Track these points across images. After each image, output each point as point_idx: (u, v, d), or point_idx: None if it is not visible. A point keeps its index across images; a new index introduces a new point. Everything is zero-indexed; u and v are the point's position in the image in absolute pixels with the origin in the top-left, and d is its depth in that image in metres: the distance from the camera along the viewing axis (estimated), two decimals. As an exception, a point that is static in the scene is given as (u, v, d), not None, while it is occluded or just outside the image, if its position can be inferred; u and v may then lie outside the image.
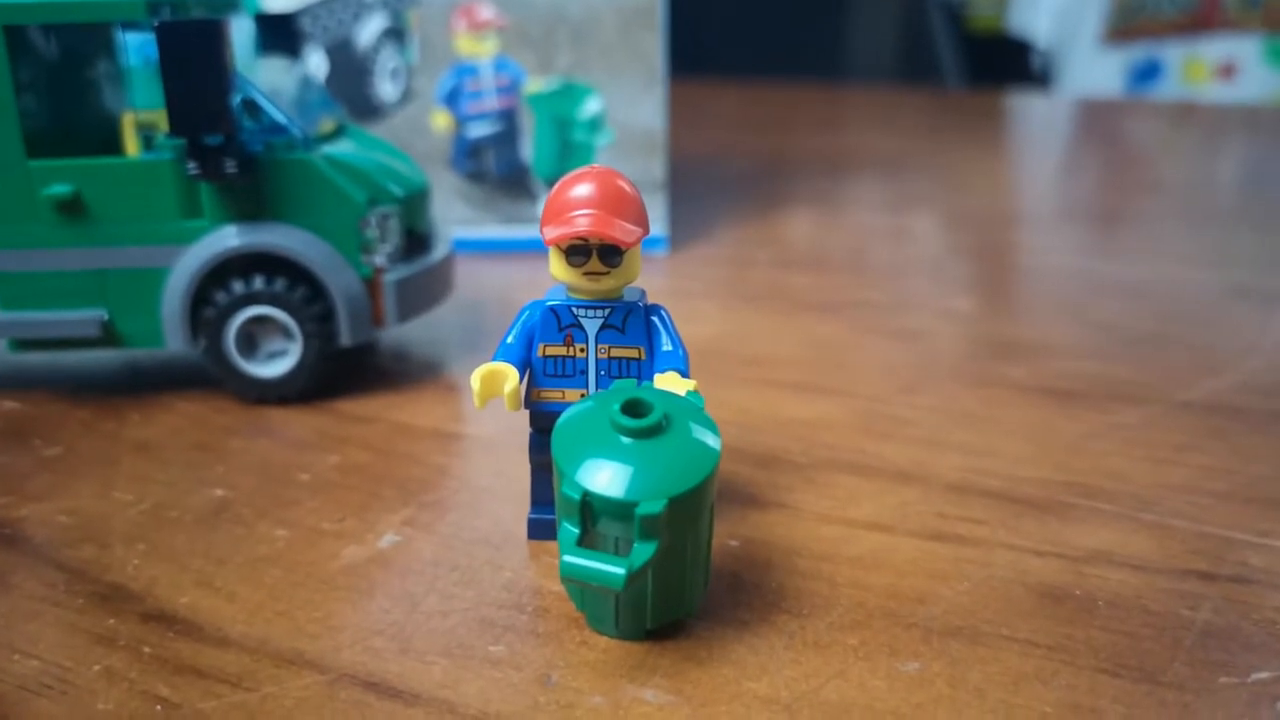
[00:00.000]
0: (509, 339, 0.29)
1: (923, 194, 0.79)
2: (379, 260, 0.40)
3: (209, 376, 0.41)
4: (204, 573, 0.29)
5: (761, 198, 0.78)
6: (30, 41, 0.38)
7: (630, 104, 0.61)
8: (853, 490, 0.33)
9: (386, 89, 0.61)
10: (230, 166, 0.37)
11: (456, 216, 0.62)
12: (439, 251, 0.43)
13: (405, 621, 0.26)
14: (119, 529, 0.31)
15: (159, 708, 0.23)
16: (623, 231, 0.27)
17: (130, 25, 0.37)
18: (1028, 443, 0.36)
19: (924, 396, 0.41)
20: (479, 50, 0.61)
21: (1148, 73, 1.45)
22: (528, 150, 0.61)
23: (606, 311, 0.28)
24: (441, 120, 0.61)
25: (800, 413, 0.39)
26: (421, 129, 0.61)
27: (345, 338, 0.40)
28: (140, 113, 0.39)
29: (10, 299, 0.38)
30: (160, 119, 0.39)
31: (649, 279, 0.58)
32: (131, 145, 0.40)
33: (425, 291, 0.42)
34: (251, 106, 0.38)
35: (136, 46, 0.41)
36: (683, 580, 0.25)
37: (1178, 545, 0.30)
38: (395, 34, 0.61)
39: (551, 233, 0.27)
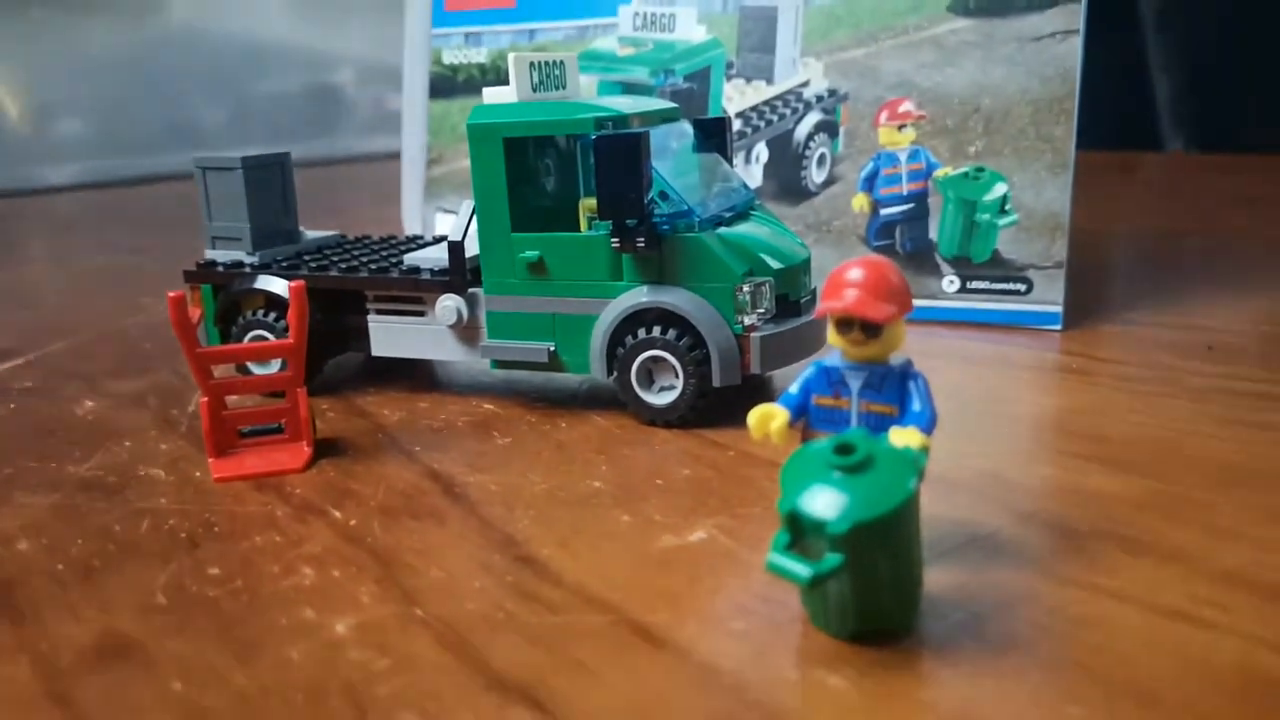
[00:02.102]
0: (792, 388, 0.36)
1: None
2: (750, 320, 0.49)
3: (619, 399, 0.53)
4: (564, 537, 0.39)
5: (1193, 277, 0.74)
6: (518, 149, 0.53)
7: (1036, 188, 0.64)
8: (1114, 561, 0.35)
9: (814, 174, 0.71)
10: (640, 242, 0.48)
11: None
12: (808, 314, 0.51)
13: (682, 591, 0.35)
14: (523, 499, 0.43)
15: (501, 615, 0.34)
16: (877, 310, 0.33)
17: (583, 137, 0.50)
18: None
19: (1251, 493, 0.40)
20: (898, 140, 0.68)
21: None
22: (935, 230, 0.67)
23: (868, 374, 0.34)
24: (860, 202, 0.69)
25: (1101, 485, 0.41)
26: (841, 209, 0.70)
27: (717, 380, 0.49)
28: (590, 199, 0.53)
29: (495, 330, 0.54)
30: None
31: (1038, 352, 0.60)
32: (582, 223, 0.53)
33: (790, 347, 0.50)
34: (664, 196, 0.49)
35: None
36: (880, 594, 0.30)
37: None
38: (827, 125, 0.70)
39: (823, 305, 0.34)
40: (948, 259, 0.67)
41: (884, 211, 0.68)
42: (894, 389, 0.34)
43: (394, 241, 0.64)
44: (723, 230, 0.50)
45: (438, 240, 0.64)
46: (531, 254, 0.51)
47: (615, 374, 0.51)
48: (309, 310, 0.47)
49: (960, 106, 0.66)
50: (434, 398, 0.57)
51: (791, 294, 0.51)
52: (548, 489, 0.44)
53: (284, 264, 0.59)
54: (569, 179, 0.55)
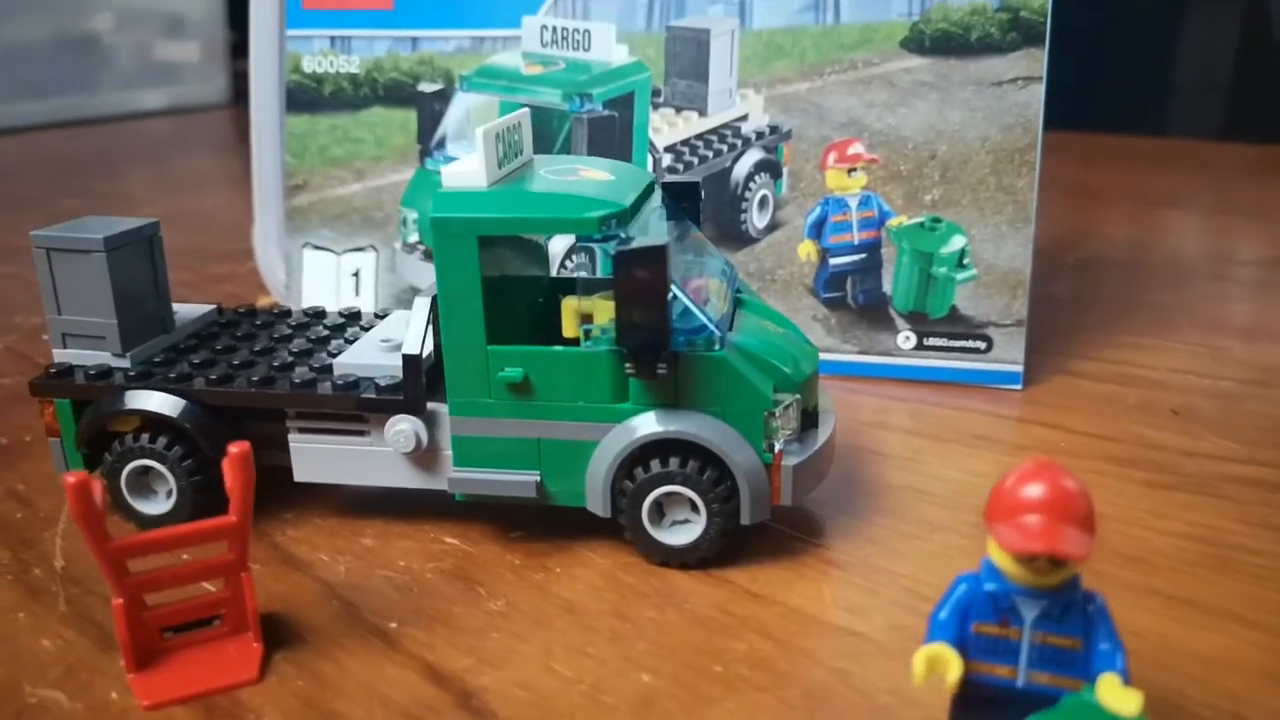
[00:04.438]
0: (942, 614, 0.30)
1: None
2: (779, 446, 0.43)
3: (612, 527, 0.46)
4: (650, 780, 0.32)
5: (1135, 308, 0.75)
6: (494, 247, 0.43)
7: (996, 242, 0.61)
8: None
9: (755, 218, 0.65)
10: (662, 369, 0.41)
11: (815, 342, 0.64)
12: (826, 426, 0.46)
13: None
14: (564, 710, 0.35)
15: None
16: (1075, 544, 0.28)
17: (585, 239, 0.42)
18: None
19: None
20: (848, 185, 0.63)
21: None
22: (889, 282, 0.63)
23: (1046, 602, 0.29)
24: (806, 249, 0.64)
25: (1194, 643, 0.38)
26: (786, 257, 0.64)
27: (746, 517, 0.43)
28: (580, 300, 0.44)
29: (464, 457, 0.45)
30: (594, 307, 0.43)
31: (1000, 422, 0.58)
32: (570, 327, 0.44)
33: (818, 472, 0.44)
34: (683, 313, 0.42)
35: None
36: None
37: None
38: (769, 165, 0.64)
39: (1004, 536, 0.28)
40: (903, 314, 0.63)
41: (833, 261, 0.63)
42: (1077, 620, 0.29)
43: (296, 322, 0.53)
44: (739, 339, 0.43)
45: (350, 318, 0.53)
46: (514, 373, 0.43)
47: (621, 512, 0.44)
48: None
49: (914, 151, 0.61)
50: (377, 528, 0.48)
51: (808, 404, 0.45)
52: (588, 690, 0.37)
53: (166, 370, 0.47)
54: (561, 285, 0.46)
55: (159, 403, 0.45)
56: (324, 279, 0.70)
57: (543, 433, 0.44)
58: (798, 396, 0.43)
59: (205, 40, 1.90)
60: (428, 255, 0.69)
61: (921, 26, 0.61)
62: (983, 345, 0.62)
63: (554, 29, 0.66)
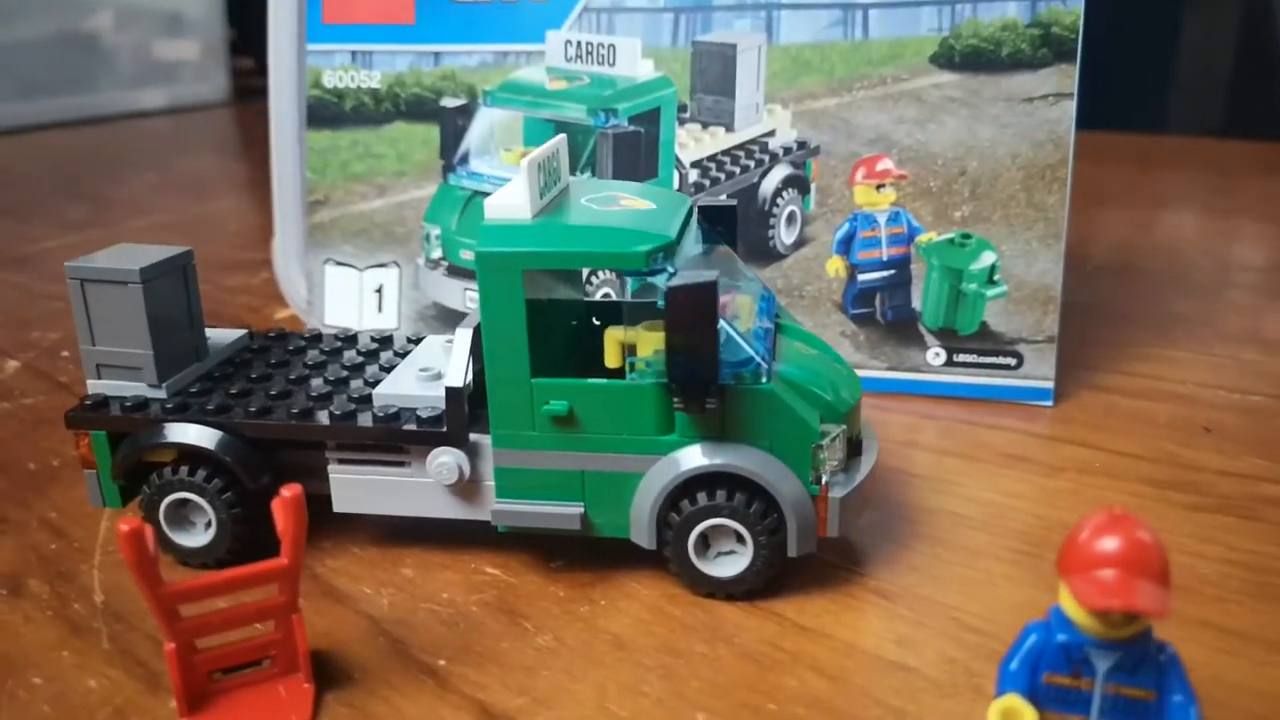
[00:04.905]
0: (1013, 665, 0.30)
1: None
2: (825, 478, 0.43)
3: (653, 555, 0.45)
4: (716, 828, 0.32)
5: (1158, 317, 0.75)
6: (540, 280, 0.43)
7: (1027, 258, 0.61)
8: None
9: (783, 234, 0.64)
10: (711, 405, 0.41)
11: (845, 357, 0.64)
12: (870, 455, 0.45)
13: None
14: (627, 754, 0.35)
15: None
16: (1152, 600, 0.28)
17: (631, 272, 0.42)
18: None
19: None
20: (876, 201, 0.62)
21: None
22: (918, 298, 0.63)
23: (1119, 654, 0.29)
24: (835, 265, 0.63)
25: (1251, 678, 0.38)
26: (814, 273, 0.64)
27: (794, 549, 0.43)
28: (625, 330, 0.44)
29: (507, 489, 0.44)
30: (638, 338, 0.43)
31: (1033, 441, 0.58)
32: (613, 358, 0.44)
33: (862, 502, 0.44)
34: (728, 343, 0.42)
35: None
36: None
37: None
38: (797, 180, 0.64)
39: (1080, 590, 0.28)
40: (932, 330, 0.63)
41: (862, 277, 0.63)
42: (1150, 672, 0.29)
43: (329, 347, 0.53)
44: (784, 370, 0.43)
45: (383, 342, 0.53)
46: (559, 405, 0.42)
47: (666, 544, 0.44)
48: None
49: (944, 168, 0.61)
50: (416, 557, 0.47)
51: (853, 433, 0.45)
52: (652, 730, 0.36)
53: (204, 402, 0.46)
54: (595, 309, 0.46)
55: (197, 435, 0.45)
56: (346, 295, 0.70)
57: (587, 464, 0.44)
58: (844, 427, 0.43)
59: (204, 38, 1.89)
60: (451, 271, 0.69)
61: (951, 42, 0.60)
62: (1013, 362, 0.62)
63: (578, 44, 0.65)
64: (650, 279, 0.41)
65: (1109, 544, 0.28)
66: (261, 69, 0.70)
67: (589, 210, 0.44)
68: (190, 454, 0.45)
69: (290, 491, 0.36)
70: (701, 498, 0.43)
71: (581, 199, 0.45)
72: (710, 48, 0.64)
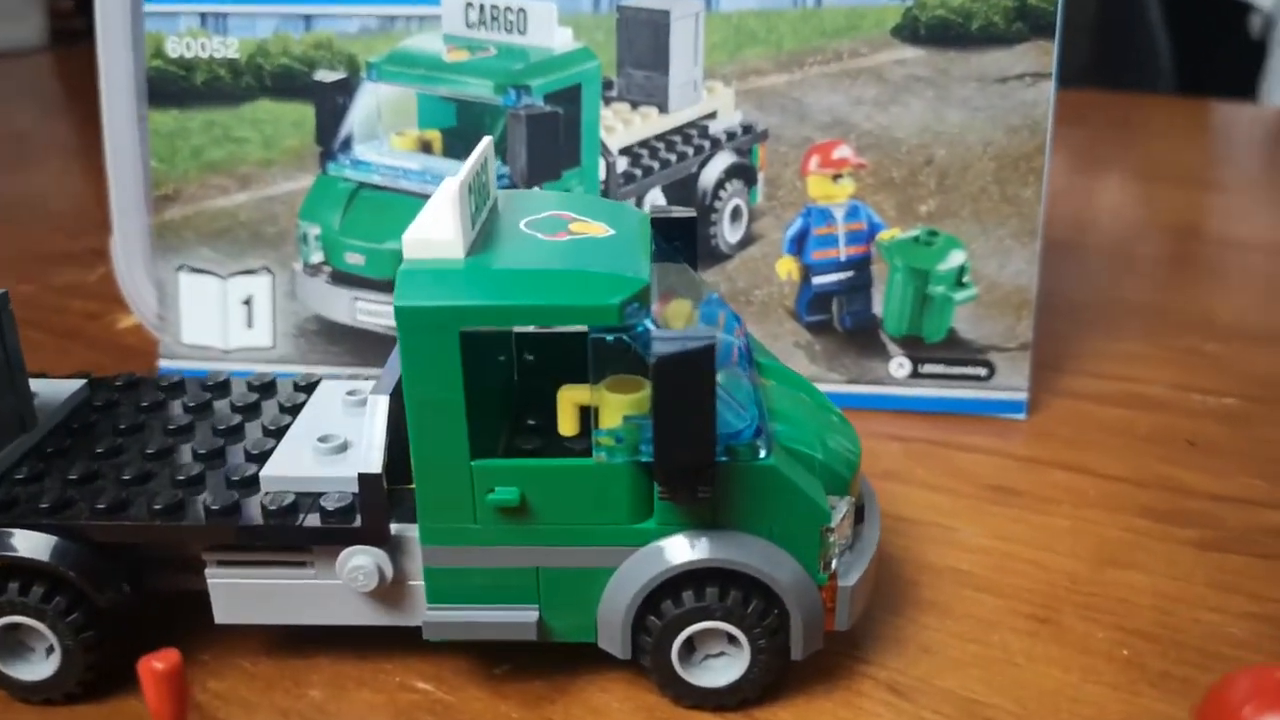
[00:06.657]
0: None
1: None
2: (835, 564, 0.35)
3: (619, 660, 0.37)
4: None
5: (1119, 307, 0.70)
6: (478, 340, 0.34)
7: (1000, 257, 0.55)
8: None
9: (726, 231, 0.56)
10: (704, 493, 0.33)
11: (798, 371, 0.57)
12: (873, 525, 0.38)
13: None
14: None
15: None
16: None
17: (600, 330, 0.33)
18: None
19: None
20: (833, 193, 0.55)
21: None
22: (879, 303, 0.56)
23: None
24: (787, 267, 0.56)
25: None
26: (763, 275, 0.56)
27: (797, 652, 0.36)
28: (573, 389, 0.35)
29: (441, 592, 0.36)
30: (601, 401, 0.34)
31: (1015, 465, 0.52)
32: (568, 424, 0.36)
33: (870, 584, 0.37)
34: (721, 413, 0.33)
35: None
36: None
37: None
38: (742, 170, 0.55)
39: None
40: (896, 338, 0.56)
41: (816, 280, 0.56)
42: None
43: (194, 400, 0.42)
44: (780, 434, 0.35)
45: (263, 390, 0.42)
46: (508, 494, 0.34)
47: (644, 652, 0.36)
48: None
49: (908, 156, 0.54)
50: (325, 673, 0.38)
51: (860, 502, 0.38)
52: None
53: (35, 496, 0.35)
54: (547, 367, 0.37)
55: (28, 545, 0.34)
56: (208, 308, 0.58)
57: (543, 560, 0.35)
58: (851, 499, 0.36)
59: (13, -27, 1.65)
60: (335, 278, 0.58)
61: (916, 13, 0.53)
62: (984, 372, 0.56)
63: (481, 7, 0.55)
64: (624, 335, 0.32)
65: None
66: (82, 7, 0.57)
67: (534, 242, 0.35)
68: (21, 568, 0.35)
69: (163, 662, 0.26)
70: (688, 597, 0.35)
71: (520, 223, 0.36)
72: (639, 14, 0.54)
